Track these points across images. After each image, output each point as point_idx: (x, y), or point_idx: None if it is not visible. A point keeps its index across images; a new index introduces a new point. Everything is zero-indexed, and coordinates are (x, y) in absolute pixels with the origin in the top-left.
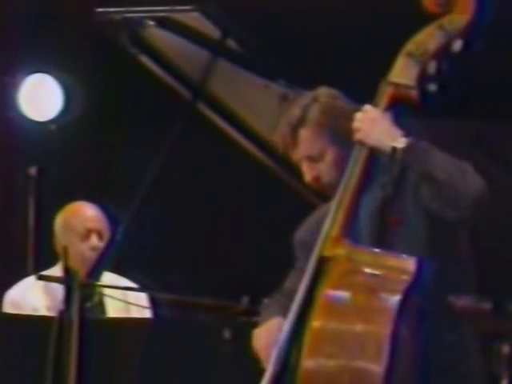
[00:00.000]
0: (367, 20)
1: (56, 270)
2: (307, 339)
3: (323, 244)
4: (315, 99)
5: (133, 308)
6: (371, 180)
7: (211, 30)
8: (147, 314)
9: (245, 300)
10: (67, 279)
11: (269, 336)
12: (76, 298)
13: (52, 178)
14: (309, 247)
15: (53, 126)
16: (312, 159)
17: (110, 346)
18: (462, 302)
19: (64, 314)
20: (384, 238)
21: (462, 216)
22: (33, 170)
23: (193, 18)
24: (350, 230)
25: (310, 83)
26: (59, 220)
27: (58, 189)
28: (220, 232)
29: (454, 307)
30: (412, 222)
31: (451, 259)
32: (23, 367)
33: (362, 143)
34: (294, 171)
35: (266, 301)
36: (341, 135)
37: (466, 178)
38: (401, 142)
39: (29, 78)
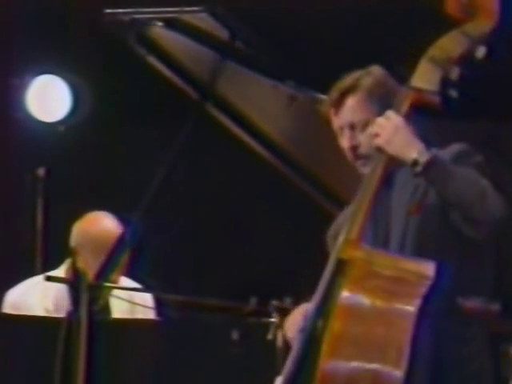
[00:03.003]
0: (378, 21)
1: (59, 272)
2: (326, 341)
3: (341, 247)
4: (369, 73)
5: (138, 310)
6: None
7: (220, 31)
8: (152, 315)
9: (253, 301)
10: (75, 280)
11: (293, 321)
12: (84, 299)
13: (60, 178)
14: (335, 241)
15: (61, 127)
16: (354, 128)
17: (118, 347)
18: (471, 303)
19: (72, 315)
20: (414, 231)
21: (479, 235)
22: (41, 171)
23: (201, 19)
24: (374, 231)
25: (319, 84)
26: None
27: (66, 189)
28: (229, 233)
29: (463, 309)
30: (429, 212)
31: (475, 256)
32: (31, 368)
33: (380, 150)
34: (303, 172)
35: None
36: (387, 109)
37: (483, 202)
38: (423, 156)
39: (37, 79)
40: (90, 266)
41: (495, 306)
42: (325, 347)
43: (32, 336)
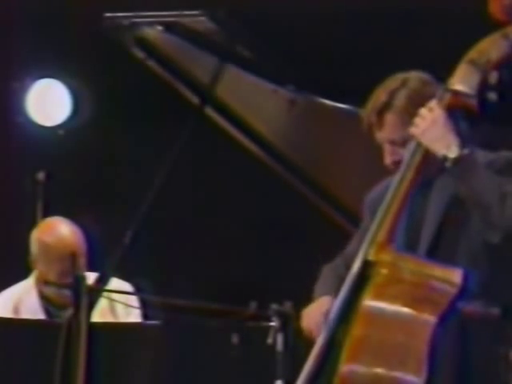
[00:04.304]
0: (379, 23)
1: (29, 282)
2: (347, 346)
3: (369, 248)
4: (404, 84)
5: (119, 308)
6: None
7: (219, 35)
8: (136, 313)
9: (253, 305)
10: (75, 284)
11: (316, 316)
12: (84, 303)
13: (60, 182)
14: (376, 206)
15: (61, 131)
16: (394, 143)
17: (118, 352)
18: (471, 307)
19: (72, 319)
20: (444, 237)
21: (493, 240)
22: (41, 175)
23: (201, 23)
24: (406, 228)
25: (318, 89)
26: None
27: (66, 193)
28: (229, 237)
29: (463, 313)
30: (472, 223)
31: (504, 262)
32: (31, 373)
33: (416, 139)
34: (303, 175)
35: (325, 268)
36: None
37: (502, 207)
38: (453, 152)
39: (37, 83)
40: (48, 275)
41: (495, 310)
42: (345, 352)
43: (31, 340)
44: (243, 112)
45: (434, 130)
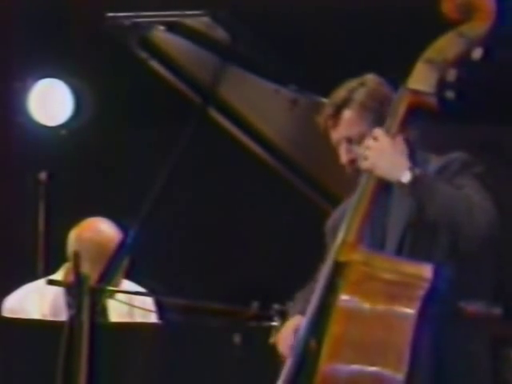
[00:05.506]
0: (380, 23)
1: (58, 276)
2: (326, 344)
3: (339, 249)
4: (362, 84)
5: (137, 312)
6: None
7: (222, 35)
8: (153, 317)
9: (255, 305)
10: (77, 284)
11: (287, 336)
12: (86, 302)
13: (62, 182)
14: (333, 234)
15: (63, 131)
16: (351, 141)
17: (120, 351)
18: (473, 307)
19: (74, 318)
20: (411, 241)
21: (470, 249)
22: (43, 175)
23: (203, 23)
24: (370, 234)
25: (320, 88)
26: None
27: (68, 193)
28: (231, 237)
29: (465, 312)
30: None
31: (471, 265)
32: (33, 373)
33: (369, 172)
34: (306, 175)
35: (296, 295)
36: (383, 121)
37: (472, 216)
38: (406, 177)
39: (39, 82)
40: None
41: (497, 310)
42: (325, 350)
43: (34, 340)
44: (245, 112)
45: (384, 161)
